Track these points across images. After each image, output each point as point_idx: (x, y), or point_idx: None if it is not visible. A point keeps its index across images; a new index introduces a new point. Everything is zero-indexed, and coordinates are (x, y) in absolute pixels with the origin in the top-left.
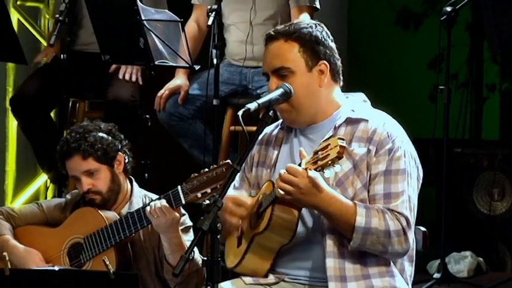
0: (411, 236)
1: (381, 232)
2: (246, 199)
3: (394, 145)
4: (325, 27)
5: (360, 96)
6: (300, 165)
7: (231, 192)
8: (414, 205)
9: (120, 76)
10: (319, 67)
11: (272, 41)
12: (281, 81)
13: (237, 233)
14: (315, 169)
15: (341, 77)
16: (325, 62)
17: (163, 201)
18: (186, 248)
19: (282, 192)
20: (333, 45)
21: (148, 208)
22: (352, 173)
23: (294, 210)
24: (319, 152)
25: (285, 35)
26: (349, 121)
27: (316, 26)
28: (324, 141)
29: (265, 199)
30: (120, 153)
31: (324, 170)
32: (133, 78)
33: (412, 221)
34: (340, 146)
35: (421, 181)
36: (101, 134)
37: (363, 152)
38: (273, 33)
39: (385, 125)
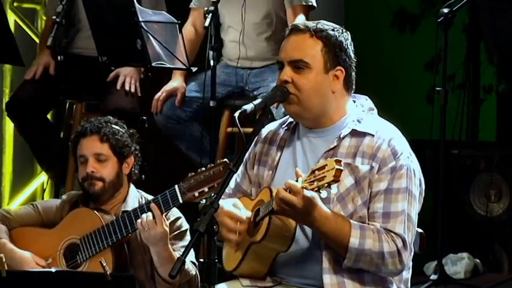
0: (406, 256)
1: (375, 253)
2: (242, 214)
3: (397, 163)
4: (349, 36)
5: (367, 103)
6: (297, 180)
7: (230, 187)
8: (414, 223)
9: (118, 86)
10: (335, 72)
11: (297, 33)
12: (295, 73)
13: (235, 247)
14: (312, 189)
15: (353, 87)
16: (342, 68)
17: (157, 213)
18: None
19: (278, 207)
20: (353, 55)
21: (139, 221)
22: (353, 189)
23: (292, 220)
24: (316, 172)
25: (313, 30)
26: (355, 133)
27: (342, 32)
28: (322, 158)
29: (263, 207)
30: (132, 156)
31: (320, 191)
32: (133, 89)
33: (409, 240)
34: (337, 170)
35: (423, 195)
36: (123, 130)
37: (365, 169)
38: (301, 26)
39: (390, 141)
